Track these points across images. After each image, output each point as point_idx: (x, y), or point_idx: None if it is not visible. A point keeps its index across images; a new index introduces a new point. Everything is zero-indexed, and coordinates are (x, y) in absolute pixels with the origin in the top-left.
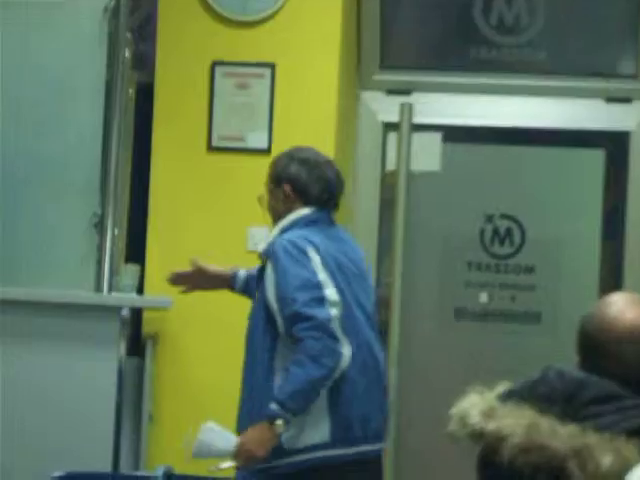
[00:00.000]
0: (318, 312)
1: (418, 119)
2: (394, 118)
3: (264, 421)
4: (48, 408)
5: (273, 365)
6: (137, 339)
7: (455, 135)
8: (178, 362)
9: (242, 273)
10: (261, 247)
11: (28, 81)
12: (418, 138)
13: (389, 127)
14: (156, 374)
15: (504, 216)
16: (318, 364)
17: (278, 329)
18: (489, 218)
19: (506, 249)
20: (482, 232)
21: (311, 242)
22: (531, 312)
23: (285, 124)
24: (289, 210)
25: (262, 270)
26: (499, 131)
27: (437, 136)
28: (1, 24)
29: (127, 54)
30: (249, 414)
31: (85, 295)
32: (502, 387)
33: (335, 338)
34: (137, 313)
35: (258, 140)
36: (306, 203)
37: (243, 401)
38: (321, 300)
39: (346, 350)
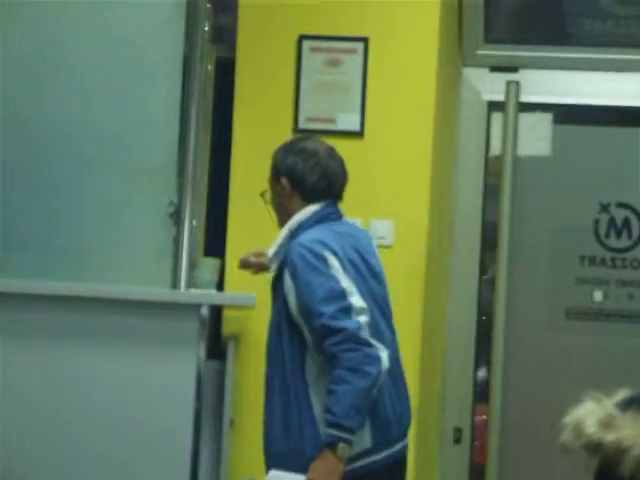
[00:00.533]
0: (348, 323)
1: (526, 98)
2: (499, 97)
3: (325, 450)
4: (119, 415)
5: (305, 378)
6: (217, 340)
7: (567, 116)
8: (262, 365)
9: None
10: (271, 251)
11: (101, 54)
12: (526, 119)
13: (494, 107)
14: (238, 378)
15: (621, 205)
16: (362, 374)
17: (305, 339)
18: (604, 207)
19: (623, 242)
20: (596, 223)
21: (327, 246)
22: None
23: (379, 104)
24: (293, 205)
25: (277, 278)
26: (615, 111)
27: (547, 117)
28: None
29: (206, 27)
30: (285, 430)
31: (161, 292)
32: (622, 394)
33: (370, 345)
34: (217, 312)
35: (350, 122)
36: (304, 196)
37: (274, 417)
38: (348, 310)
39: (383, 354)
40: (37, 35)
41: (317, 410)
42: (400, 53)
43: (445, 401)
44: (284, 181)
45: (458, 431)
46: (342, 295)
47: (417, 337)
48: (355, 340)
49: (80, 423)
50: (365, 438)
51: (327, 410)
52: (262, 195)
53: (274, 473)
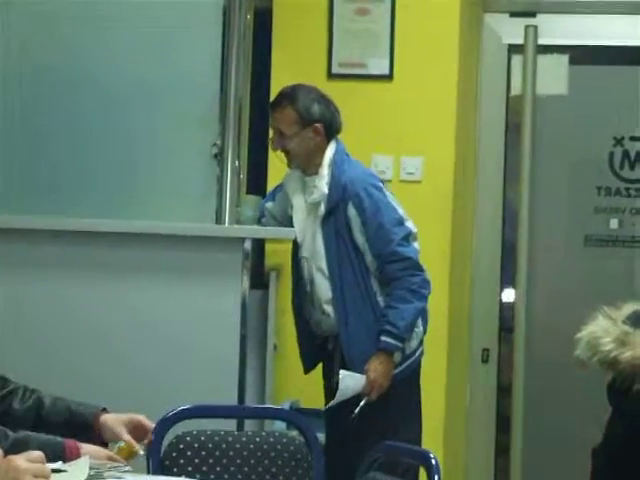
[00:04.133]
0: (410, 250)
1: (544, 41)
2: (519, 40)
3: (382, 354)
4: (170, 343)
5: (371, 298)
6: (260, 272)
7: (582, 57)
8: None
9: None
10: (320, 193)
11: (146, 7)
12: (544, 60)
13: (514, 50)
14: (279, 306)
15: (634, 138)
16: (420, 295)
17: (367, 265)
18: (619, 141)
19: (637, 173)
20: (612, 156)
21: (377, 177)
22: None
23: (407, 49)
24: (320, 149)
25: (328, 213)
26: (628, 51)
27: (564, 58)
28: None
29: None
30: (368, 336)
31: (206, 227)
32: (630, 307)
33: (424, 271)
34: (260, 245)
35: (379, 66)
36: (329, 137)
37: (352, 326)
38: (409, 236)
39: (429, 277)
40: None
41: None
42: (425, 1)
43: (473, 323)
44: (319, 126)
45: (486, 351)
46: (402, 221)
47: (446, 264)
48: (417, 267)
49: (134, 351)
50: (419, 336)
51: (388, 322)
52: (273, 144)
53: (345, 373)
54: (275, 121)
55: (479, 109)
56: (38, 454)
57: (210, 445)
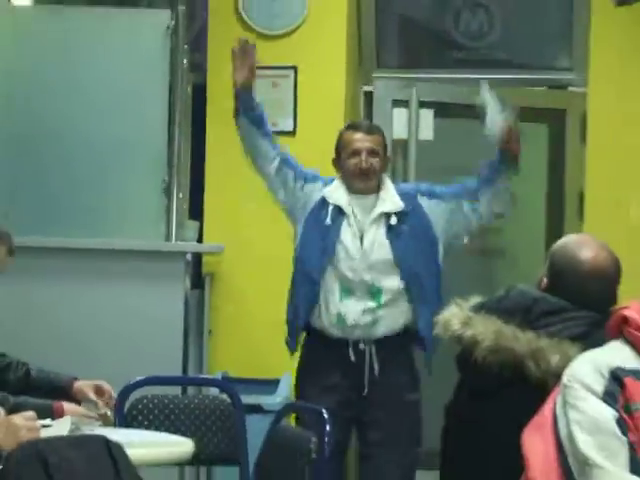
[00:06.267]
0: None
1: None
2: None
3: None
4: (131, 329)
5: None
6: (198, 276)
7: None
8: (229, 292)
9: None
10: (394, 205)
11: (111, 80)
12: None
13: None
14: (213, 301)
15: None
16: None
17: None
18: None
19: None
20: None
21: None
22: None
23: (306, 111)
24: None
25: (399, 221)
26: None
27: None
28: (88, 32)
29: (185, 61)
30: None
31: (158, 243)
32: (475, 299)
33: None
34: (198, 257)
35: (286, 124)
36: None
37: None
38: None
39: None
40: (58, 65)
41: None
42: (319, 76)
43: None
44: (389, 155)
45: None
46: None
47: None
48: None
49: (102, 338)
50: None
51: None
52: (372, 169)
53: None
54: (371, 143)
55: None
56: (31, 414)
57: (161, 406)
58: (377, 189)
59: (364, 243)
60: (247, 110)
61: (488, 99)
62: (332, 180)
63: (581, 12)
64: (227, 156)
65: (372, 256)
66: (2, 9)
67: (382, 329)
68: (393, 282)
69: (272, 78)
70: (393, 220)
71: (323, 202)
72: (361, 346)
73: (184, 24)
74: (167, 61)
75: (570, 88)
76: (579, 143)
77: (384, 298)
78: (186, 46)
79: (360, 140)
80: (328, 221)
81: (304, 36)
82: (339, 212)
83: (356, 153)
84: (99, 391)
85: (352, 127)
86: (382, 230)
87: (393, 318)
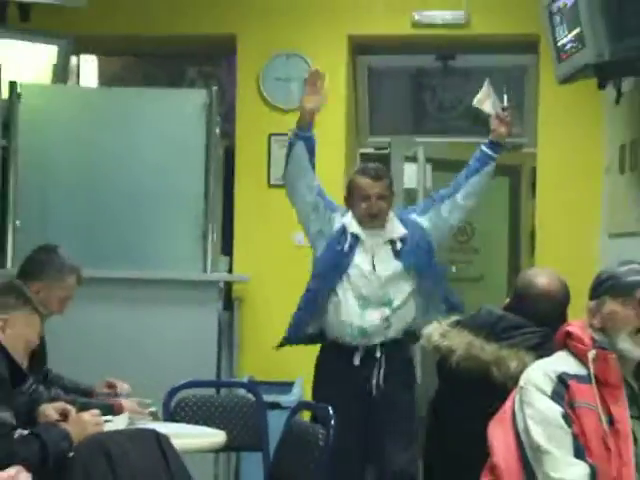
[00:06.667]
0: None
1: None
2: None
3: None
4: (175, 344)
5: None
6: (229, 301)
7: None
8: (253, 313)
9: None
10: (398, 233)
11: (160, 145)
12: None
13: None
14: (240, 320)
15: None
16: None
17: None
18: None
19: None
20: None
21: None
22: None
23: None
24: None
25: (402, 243)
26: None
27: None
28: (143, 107)
29: (217, 130)
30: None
31: (197, 274)
32: (454, 317)
33: None
34: (228, 285)
35: None
36: None
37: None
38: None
39: None
40: (118, 134)
41: None
42: (324, 140)
43: None
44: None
45: None
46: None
47: None
48: None
49: (149, 351)
50: None
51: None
52: (381, 211)
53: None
54: (379, 189)
55: None
56: (96, 411)
57: (199, 404)
58: (383, 221)
59: (376, 264)
60: (306, 137)
61: (487, 92)
62: (346, 211)
63: (531, 87)
64: (251, 205)
65: (383, 273)
66: (73, 90)
67: (392, 333)
68: (403, 287)
69: (285, 142)
70: (398, 245)
71: (343, 229)
72: (377, 354)
73: (217, 101)
74: (204, 129)
75: (524, 149)
76: (530, 192)
77: (395, 303)
78: (219, 118)
79: (370, 186)
80: (347, 246)
81: None
82: (356, 239)
83: (366, 198)
84: (110, 385)
85: (362, 172)
86: (390, 253)
87: (402, 320)
